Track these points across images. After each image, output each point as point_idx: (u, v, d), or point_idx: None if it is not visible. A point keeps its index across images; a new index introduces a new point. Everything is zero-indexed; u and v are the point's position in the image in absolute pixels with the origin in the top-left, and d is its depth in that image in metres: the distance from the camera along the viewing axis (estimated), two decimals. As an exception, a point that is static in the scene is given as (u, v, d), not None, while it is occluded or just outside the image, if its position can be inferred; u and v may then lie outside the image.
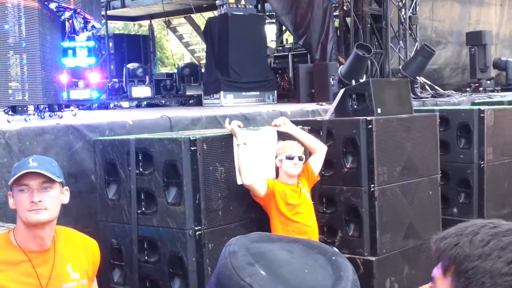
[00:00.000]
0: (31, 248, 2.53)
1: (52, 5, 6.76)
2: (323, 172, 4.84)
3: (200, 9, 16.38)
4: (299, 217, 4.20)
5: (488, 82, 12.09)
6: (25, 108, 5.94)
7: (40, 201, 2.47)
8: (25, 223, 2.51)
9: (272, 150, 4.35)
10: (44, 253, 2.55)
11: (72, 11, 7.48)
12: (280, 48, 13.36)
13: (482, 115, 6.02)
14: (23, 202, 2.47)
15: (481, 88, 11.82)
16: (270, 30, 15.28)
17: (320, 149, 4.44)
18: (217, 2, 11.40)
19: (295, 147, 4.26)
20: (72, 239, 2.70)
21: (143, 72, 11.80)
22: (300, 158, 4.24)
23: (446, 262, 1.08)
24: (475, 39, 12.47)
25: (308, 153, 4.43)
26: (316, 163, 4.42)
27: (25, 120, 5.43)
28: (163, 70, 23.14)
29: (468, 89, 11.97)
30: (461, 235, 1.08)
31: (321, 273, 0.91)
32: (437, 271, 1.11)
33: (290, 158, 4.22)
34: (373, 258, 4.80)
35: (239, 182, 4.06)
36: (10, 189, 2.55)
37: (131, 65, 11.97)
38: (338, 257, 0.95)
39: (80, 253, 2.68)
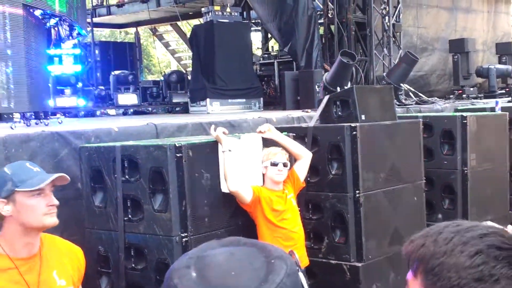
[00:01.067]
0: (17, 255, 2.53)
1: (37, 12, 6.74)
2: (308, 179, 4.88)
3: (186, 16, 16.41)
4: (285, 223, 4.23)
5: (471, 89, 12.23)
6: (11, 116, 5.93)
7: (56, 204, 2.58)
8: (35, 227, 2.55)
9: (258, 157, 4.37)
10: (30, 260, 2.55)
11: (57, 19, 7.47)
12: (266, 55, 13.42)
13: (465, 121, 6.09)
14: (39, 206, 2.52)
15: (464, 95, 11.95)
16: (256, 38, 15.33)
17: (305, 156, 4.47)
18: (202, 9, 11.45)
19: (279, 154, 4.29)
20: (57, 245, 2.71)
21: (134, 79, 11.82)
22: (284, 165, 4.27)
23: (415, 264, 1.12)
24: (458, 47, 12.62)
25: (293, 159, 4.46)
26: (301, 169, 4.45)
27: (11, 127, 5.41)
28: (150, 77, 23.13)
29: (451, 96, 12.09)
30: (426, 236, 1.12)
31: (249, 275, 0.96)
32: (409, 275, 1.14)
33: (274, 164, 4.25)
34: (359, 264, 4.84)
35: (223, 190, 4.08)
36: (1, 197, 2.52)
37: (118, 72, 11.97)
38: (277, 261, 0.99)
39: (65, 260, 2.68)
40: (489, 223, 1.20)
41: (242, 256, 1.00)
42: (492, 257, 1.04)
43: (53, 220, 2.58)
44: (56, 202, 2.60)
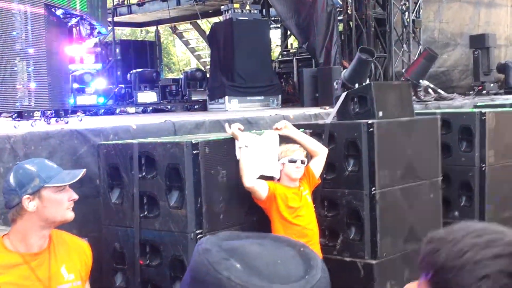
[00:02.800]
0: (29, 250, 2.59)
1: (59, 12, 6.84)
2: (324, 175, 4.89)
3: (205, 14, 16.47)
4: (300, 220, 4.24)
5: (492, 85, 12.10)
6: (31, 114, 6.02)
7: (77, 198, 2.68)
8: (58, 221, 2.64)
9: (275, 153, 4.40)
10: (40, 255, 2.61)
11: (78, 18, 7.56)
12: (285, 52, 13.42)
13: (484, 118, 6.04)
14: (64, 201, 2.62)
15: (484, 91, 11.83)
16: (275, 35, 15.34)
17: (321, 152, 4.48)
18: (222, 7, 11.49)
19: (297, 151, 4.30)
20: (65, 240, 2.76)
21: (157, 76, 11.91)
22: (302, 162, 4.28)
23: (426, 268, 1.09)
24: (479, 42, 12.49)
25: (309, 156, 4.48)
26: (317, 166, 4.47)
27: (31, 125, 5.50)
28: (170, 75, 23.24)
29: (471, 92, 11.99)
30: (444, 242, 1.08)
31: (293, 263, 0.96)
32: (423, 276, 1.11)
33: (292, 161, 4.27)
34: (373, 262, 4.83)
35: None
36: (26, 194, 2.57)
37: (140, 70, 12.07)
38: (306, 249, 1.00)
39: (73, 255, 2.74)
40: None
41: (272, 247, 0.99)
42: (498, 284, 1.00)
43: (72, 214, 2.68)
44: (76, 196, 2.69)
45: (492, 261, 1.01)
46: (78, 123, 6.41)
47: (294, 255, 0.98)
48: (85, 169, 2.74)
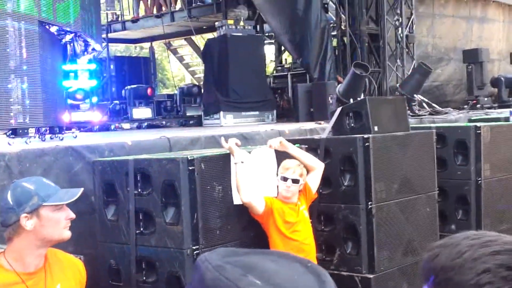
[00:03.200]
0: (25, 269, 2.56)
1: (53, 29, 6.85)
2: (321, 190, 4.88)
3: (200, 30, 16.52)
4: (297, 235, 4.23)
5: (486, 99, 12.16)
6: (26, 131, 6.00)
7: (73, 217, 2.69)
8: (55, 240, 2.63)
9: (272, 169, 4.39)
10: (37, 274, 2.59)
11: (72, 34, 7.57)
12: (280, 68, 13.47)
13: (479, 131, 6.06)
14: (61, 219, 2.62)
15: (478, 105, 11.89)
16: (269, 50, 15.40)
17: (317, 167, 4.48)
18: (216, 23, 11.54)
19: (291, 169, 4.27)
20: (60, 259, 2.74)
21: (152, 91, 11.91)
22: (294, 181, 4.25)
23: (427, 274, 1.10)
24: (472, 57, 12.58)
25: (306, 171, 4.47)
26: (314, 180, 4.46)
27: (26, 142, 5.48)
28: (165, 91, 23.26)
29: (465, 106, 12.04)
30: (443, 247, 1.10)
31: (307, 279, 0.94)
32: (426, 283, 1.13)
33: (284, 179, 4.26)
34: (371, 276, 4.82)
35: (236, 202, 4.10)
36: (24, 212, 2.55)
37: (134, 86, 12.08)
38: (313, 264, 0.99)
39: (69, 273, 2.72)
40: None
41: (284, 263, 0.97)
42: (499, 277, 1.01)
43: (69, 233, 2.68)
44: (73, 215, 2.69)
45: (491, 257, 1.03)
46: (73, 140, 6.39)
47: (304, 271, 0.96)
48: (82, 188, 2.75)
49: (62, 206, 2.63)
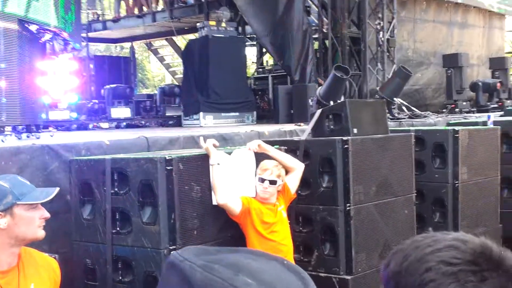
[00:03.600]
0: None
1: (33, 27, 6.77)
2: (299, 191, 4.87)
3: (181, 31, 16.48)
4: (275, 235, 4.22)
5: (464, 103, 12.28)
6: (2, 129, 5.92)
7: (48, 217, 2.67)
8: (28, 239, 2.60)
9: (250, 171, 4.37)
10: (10, 273, 2.55)
11: (52, 33, 7.49)
12: (260, 69, 13.47)
13: (457, 135, 6.10)
14: (35, 219, 2.59)
15: (457, 109, 11.99)
16: (250, 52, 15.39)
17: (297, 168, 4.47)
18: (198, 24, 11.51)
19: (269, 170, 4.26)
20: (34, 258, 2.71)
21: (130, 92, 11.81)
22: (272, 182, 4.24)
23: (383, 282, 1.10)
24: (452, 61, 12.69)
25: (285, 172, 4.46)
26: (293, 181, 4.45)
27: (1, 140, 5.41)
28: (144, 91, 23.14)
29: (444, 110, 12.14)
30: (394, 254, 1.10)
31: (290, 276, 0.92)
32: None
33: (261, 180, 4.25)
34: (348, 277, 4.82)
35: (214, 203, 4.08)
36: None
37: (113, 86, 12.00)
38: (288, 261, 0.97)
39: (43, 272, 2.68)
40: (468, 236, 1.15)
41: (260, 260, 0.95)
42: (440, 273, 1.01)
43: (43, 233, 2.66)
44: (48, 215, 2.67)
45: (432, 256, 1.03)
46: (49, 138, 6.32)
47: (284, 269, 0.94)
48: (58, 188, 2.72)
49: (37, 205, 2.60)
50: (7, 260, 2.55)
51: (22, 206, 2.54)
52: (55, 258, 3.04)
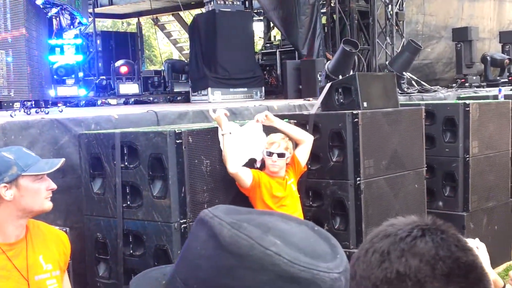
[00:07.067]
0: (5, 240, 2.52)
1: (39, 1, 6.72)
2: (309, 166, 4.86)
3: (188, 6, 16.35)
4: (285, 209, 4.20)
5: (474, 77, 12.16)
6: (11, 104, 5.92)
7: (55, 188, 2.64)
8: (35, 211, 2.58)
9: (259, 144, 4.35)
10: (17, 245, 2.55)
11: (58, 8, 7.44)
12: (268, 45, 13.37)
13: (468, 109, 6.06)
14: (41, 190, 2.57)
15: (467, 84, 11.88)
16: (258, 28, 15.27)
17: (306, 140, 4.45)
18: (204, -2, 11.39)
19: (276, 143, 4.23)
20: (42, 230, 2.70)
21: (127, 68, 11.70)
22: (280, 155, 4.22)
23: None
24: (461, 35, 12.53)
25: (295, 144, 4.44)
26: (302, 153, 4.43)
27: (11, 115, 5.40)
28: (152, 68, 23.08)
29: (454, 84, 12.04)
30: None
31: (319, 241, 0.91)
32: None
33: (269, 154, 4.23)
34: (359, 251, 4.81)
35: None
36: (3, 182, 2.50)
37: (117, 63, 11.94)
38: (318, 228, 0.96)
39: (51, 245, 2.68)
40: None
41: (291, 223, 0.93)
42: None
43: (51, 204, 2.63)
44: (55, 186, 2.64)
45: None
46: (58, 113, 6.31)
47: (313, 234, 0.93)
48: (63, 159, 2.69)
49: (43, 176, 2.58)
50: (15, 233, 2.54)
51: (27, 177, 2.52)
52: (65, 232, 3.04)
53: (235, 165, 4.00)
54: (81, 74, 10.56)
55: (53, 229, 2.80)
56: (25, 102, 6.24)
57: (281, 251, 0.84)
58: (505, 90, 8.45)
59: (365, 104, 5.24)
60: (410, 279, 0.97)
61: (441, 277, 0.96)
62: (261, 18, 14.45)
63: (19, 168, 2.51)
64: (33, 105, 6.32)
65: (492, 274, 1.56)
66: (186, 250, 0.94)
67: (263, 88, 10.72)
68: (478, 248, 1.54)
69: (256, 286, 0.85)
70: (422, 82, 10.63)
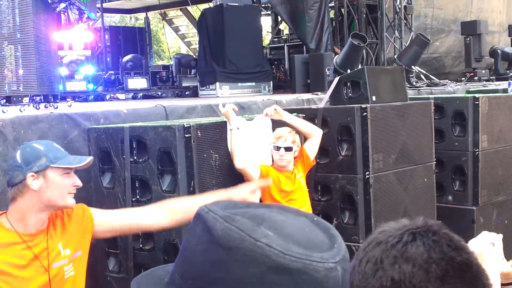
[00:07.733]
0: (26, 231, 2.55)
1: (47, -4, 6.74)
2: (318, 160, 4.85)
3: (196, 0, 16.33)
4: (293, 204, 4.19)
5: (483, 71, 12.09)
6: (20, 99, 5.93)
7: (80, 185, 2.66)
8: (58, 206, 2.59)
9: (267, 138, 4.35)
10: (37, 236, 2.58)
11: (67, 3, 7.47)
12: (276, 39, 13.34)
13: (477, 102, 6.02)
14: (66, 184, 2.58)
15: (476, 78, 11.83)
16: (266, 22, 15.24)
17: (315, 134, 4.44)
18: (212, -7, 11.38)
19: (283, 137, 4.22)
20: (60, 216, 2.71)
21: (134, 64, 11.72)
22: (287, 149, 4.21)
23: None
24: (470, 29, 12.47)
25: (304, 138, 4.43)
26: (311, 147, 4.42)
27: (20, 110, 5.42)
28: (160, 63, 23.10)
29: (463, 78, 11.98)
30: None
31: (316, 231, 0.91)
32: None
33: (276, 149, 4.22)
34: (368, 245, 4.81)
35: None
36: (31, 172, 2.52)
37: (125, 58, 11.98)
38: (318, 218, 0.95)
39: (71, 227, 2.69)
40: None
41: (288, 215, 0.93)
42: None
43: (73, 201, 2.65)
44: (80, 183, 2.65)
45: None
46: (67, 108, 6.32)
47: (312, 224, 0.93)
48: (91, 157, 2.73)
49: (70, 172, 2.61)
50: (36, 226, 2.57)
51: (55, 170, 2.55)
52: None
53: (242, 161, 4.00)
54: (89, 69, 10.57)
55: (69, 211, 2.77)
56: (34, 97, 6.27)
57: (272, 242, 0.84)
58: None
59: (374, 98, 5.22)
60: (406, 285, 0.96)
61: (436, 280, 0.96)
62: (269, 12, 14.41)
63: (48, 160, 2.54)
64: (42, 100, 6.34)
65: (507, 266, 1.54)
66: (184, 246, 0.94)
67: (271, 82, 10.71)
68: (494, 244, 1.51)
69: (248, 278, 0.85)
70: (431, 76, 10.59)
